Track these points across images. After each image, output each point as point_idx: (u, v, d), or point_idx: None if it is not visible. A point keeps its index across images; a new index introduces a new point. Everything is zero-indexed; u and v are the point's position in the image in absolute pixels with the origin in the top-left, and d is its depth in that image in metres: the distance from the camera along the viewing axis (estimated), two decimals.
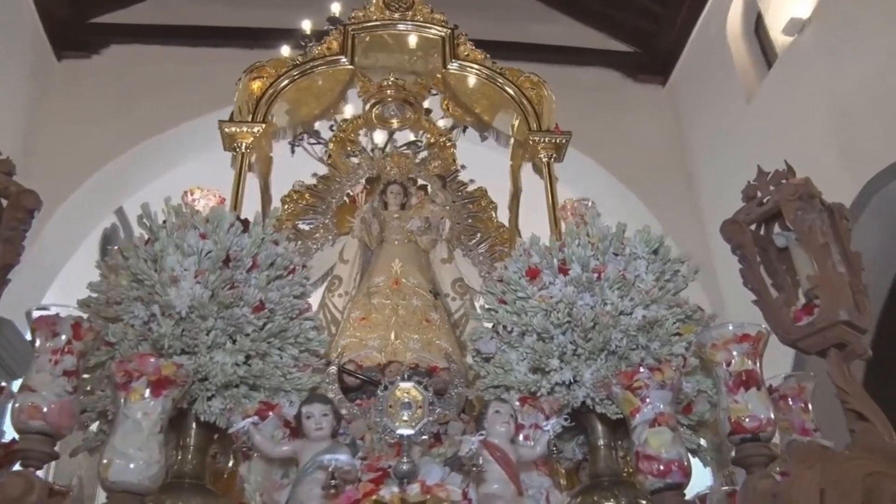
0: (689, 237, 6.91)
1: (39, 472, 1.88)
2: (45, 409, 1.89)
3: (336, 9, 5.09)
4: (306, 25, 5.45)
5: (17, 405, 1.91)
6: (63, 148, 6.69)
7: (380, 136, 4.80)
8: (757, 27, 7.05)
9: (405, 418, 1.95)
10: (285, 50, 5.49)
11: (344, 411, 3.12)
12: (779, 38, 6.52)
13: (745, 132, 6.70)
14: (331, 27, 4.98)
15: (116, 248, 2.49)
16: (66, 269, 6.65)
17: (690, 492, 2.73)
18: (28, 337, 2.09)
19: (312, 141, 5.01)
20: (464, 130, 4.75)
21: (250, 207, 3.79)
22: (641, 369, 2.11)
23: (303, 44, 5.40)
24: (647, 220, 7.11)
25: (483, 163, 4.58)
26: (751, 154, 6.28)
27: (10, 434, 2.01)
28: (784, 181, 2.41)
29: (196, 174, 5.74)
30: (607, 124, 7.54)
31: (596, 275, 2.45)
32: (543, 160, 4.04)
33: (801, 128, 5.97)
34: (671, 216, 7.15)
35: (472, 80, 4.36)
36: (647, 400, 2.07)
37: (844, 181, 5.28)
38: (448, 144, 4.58)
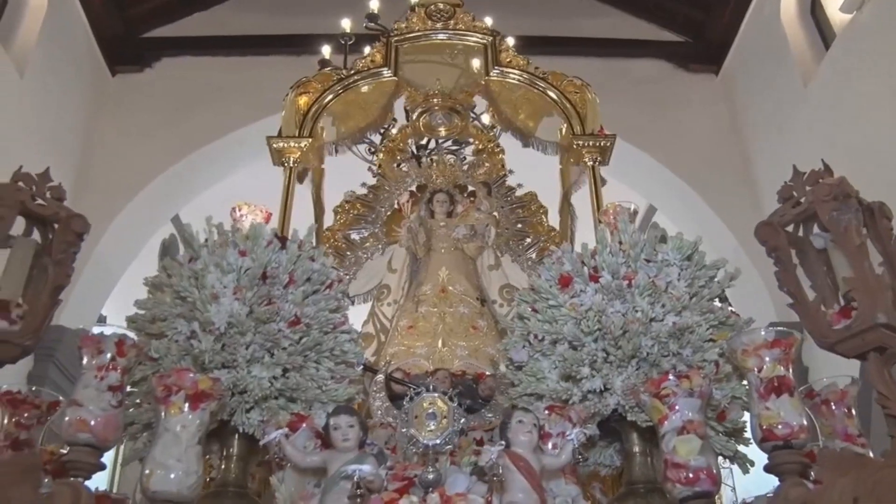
0: (750, 232, 6.71)
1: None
2: (91, 423, 2.01)
3: (374, 5, 5.13)
4: (346, 24, 5.53)
5: (66, 419, 2.04)
6: (119, 159, 6.92)
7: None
8: (813, 6, 6.76)
9: (431, 428, 2.00)
10: (326, 50, 5.58)
11: (391, 419, 3.20)
12: (836, 15, 6.24)
13: (803, 117, 6.46)
14: (369, 23, 5.03)
15: (162, 265, 2.60)
16: (125, 279, 6.84)
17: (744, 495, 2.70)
18: None
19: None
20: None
21: (305, 218, 3.89)
22: (669, 377, 2.09)
23: (343, 42, 5.49)
24: (706, 216, 7.08)
25: (538, 165, 4.56)
26: (810, 141, 6.07)
27: None
28: (820, 181, 2.35)
29: (251, 181, 5.88)
30: (662, 118, 7.43)
31: (626, 282, 2.44)
32: (588, 164, 4.00)
33: (863, 109, 5.68)
34: (731, 211, 6.97)
35: (515, 86, 4.36)
36: (676, 407, 2.06)
37: None
38: (496, 150, 4.59)
